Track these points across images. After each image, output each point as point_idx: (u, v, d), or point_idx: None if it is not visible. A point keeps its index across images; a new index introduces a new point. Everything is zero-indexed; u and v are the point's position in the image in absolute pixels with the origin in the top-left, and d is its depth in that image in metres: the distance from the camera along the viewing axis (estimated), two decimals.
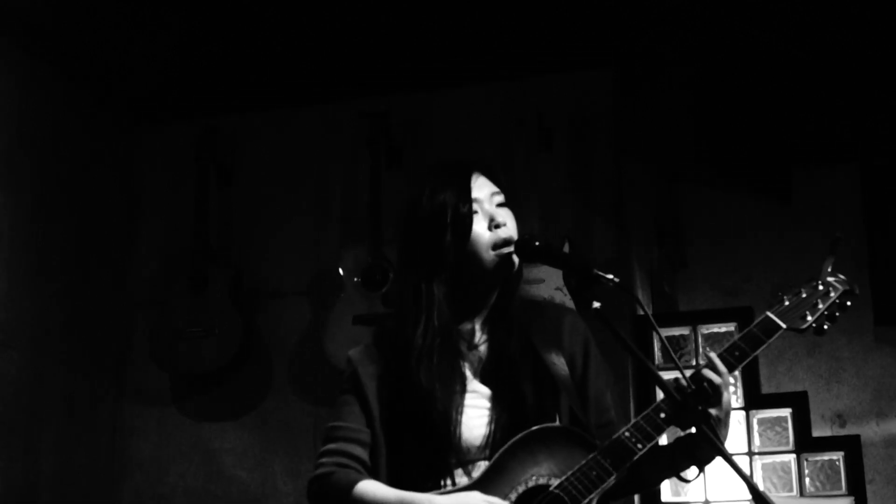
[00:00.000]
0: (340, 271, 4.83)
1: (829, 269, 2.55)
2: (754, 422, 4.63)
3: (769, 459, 4.60)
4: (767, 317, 2.47)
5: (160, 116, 5.42)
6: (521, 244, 2.60)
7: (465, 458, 2.46)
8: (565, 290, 4.51)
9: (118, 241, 5.33)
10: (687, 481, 2.43)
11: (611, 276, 2.42)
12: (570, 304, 4.51)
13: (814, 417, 4.78)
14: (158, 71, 4.98)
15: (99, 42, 4.83)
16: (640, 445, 2.32)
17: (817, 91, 5.08)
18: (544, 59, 4.95)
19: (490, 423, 2.46)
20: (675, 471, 2.46)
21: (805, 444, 4.58)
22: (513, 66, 5.00)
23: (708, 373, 2.38)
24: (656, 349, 4.72)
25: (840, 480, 4.50)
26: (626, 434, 2.34)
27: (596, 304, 2.43)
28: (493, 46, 4.87)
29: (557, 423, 2.48)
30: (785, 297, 2.50)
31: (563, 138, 4.92)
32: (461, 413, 2.46)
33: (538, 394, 2.49)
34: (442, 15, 4.65)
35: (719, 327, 4.78)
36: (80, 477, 4.92)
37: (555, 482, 2.35)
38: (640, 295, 5.03)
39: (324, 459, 2.49)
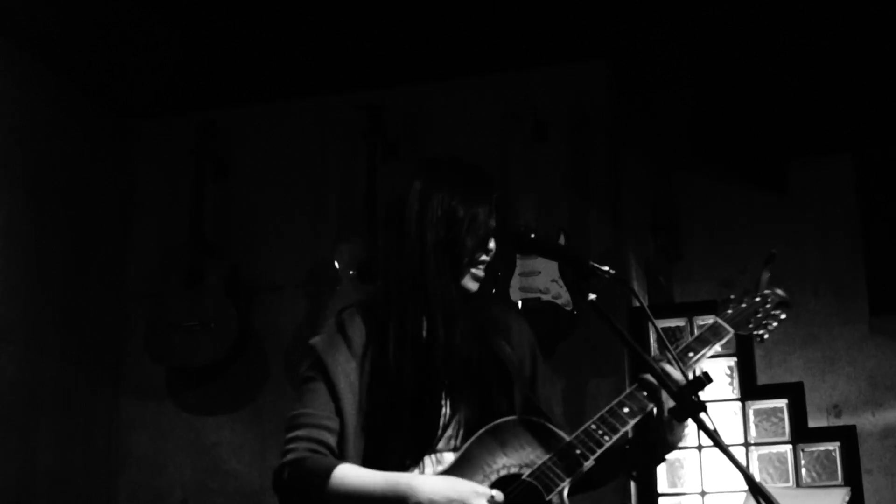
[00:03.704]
0: (336, 264, 4.83)
1: (766, 282, 2.76)
2: (750, 413, 4.64)
3: (765, 450, 4.61)
4: (717, 322, 2.66)
5: (156, 111, 5.41)
6: (519, 236, 2.64)
7: (433, 448, 2.47)
8: (561, 281, 4.51)
9: (114, 236, 5.33)
10: (637, 480, 2.54)
11: (606, 268, 2.47)
12: (566, 295, 4.52)
13: (810, 408, 4.78)
14: (154, 66, 4.97)
15: (94, 45, 4.82)
16: (606, 437, 2.42)
17: (812, 83, 5.08)
18: (540, 52, 4.95)
19: (454, 414, 2.49)
20: (627, 469, 2.59)
21: (801, 434, 4.58)
22: (508, 59, 5.00)
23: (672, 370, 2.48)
24: (652, 341, 4.72)
25: (836, 471, 4.50)
26: (593, 427, 2.43)
27: (592, 296, 2.49)
28: (488, 39, 4.87)
29: (519, 415, 2.52)
30: (730, 306, 2.71)
31: (558, 131, 4.92)
32: (432, 404, 2.48)
33: (496, 385, 2.54)
34: (437, 7, 4.64)
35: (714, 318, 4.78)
36: (77, 471, 4.92)
37: (526, 472, 2.40)
38: (636, 287, 5.04)
39: (293, 445, 2.44)
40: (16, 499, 4.56)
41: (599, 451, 2.41)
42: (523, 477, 2.40)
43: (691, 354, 2.57)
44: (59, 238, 4.96)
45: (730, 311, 2.69)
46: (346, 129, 5.14)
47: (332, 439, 2.45)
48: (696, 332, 2.65)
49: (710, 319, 4.64)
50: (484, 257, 2.57)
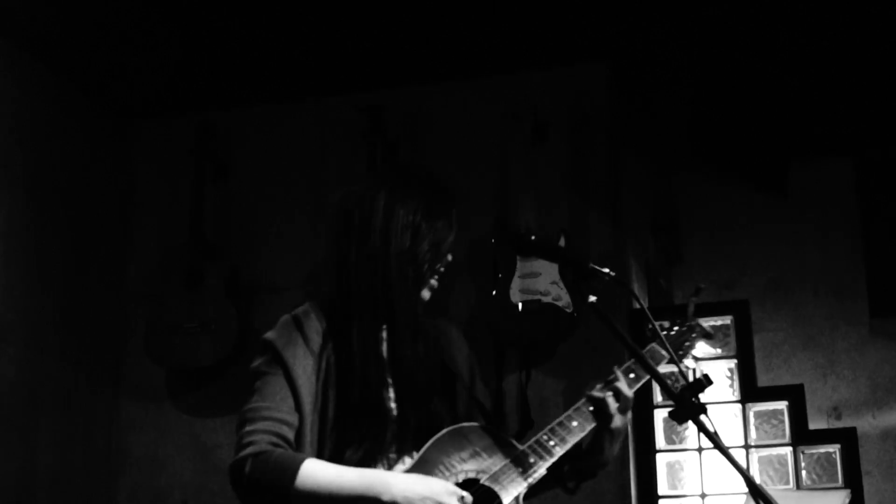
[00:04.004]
0: None
1: (692, 313, 2.92)
2: (750, 415, 4.63)
3: (765, 452, 4.61)
4: (654, 347, 2.78)
5: (156, 112, 5.41)
6: (519, 238, 2.67)
7: (385, 450, 2.50)
8: (561, 283, 4.51)
9: (114, 237, 5.33)
10: (570, 492, 2.69)
11: (607, 270, 2.52)
12: (566, 297, 4.51)
13: (810, 410, 4.78)
14: (154, 67, 4.96)
15: (95, 45, 4.82)
16: (557, 448, 2.50)
17: (812, 83, 5.08)
18: (540, 53, 4.95)
19: (406, 418, 2.53)
20: (560, 482, 2.66)
21: (801, 436, 4.58)
22: (508, 60, 5.00)
23: (621, 386, 2.59)
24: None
25: (836, 473, 4.49)
26: (544, 437, 2.52)
27: (592, 298, 2.54)
28: (488, 40, 4.86)
29: (476, 423, 2.58)
30: (661, 332, 2.80)
31: (558, 132, 4.92)
32: (387, 407, 2.52)
33: (442, 393, 2.61)
34: (437, 9, 4.64)
35: (715, 321, 4.77)
36: (77, 472, 4.92)
37: (483, 477, 2.46)
38: (636, 289, 5.03)
39: (254, 438, 2.41)
40: (16, 499, 4.56)
41: (551, 461, 2.49)
42: (481, 482, 2.45)
43: (632, 376, 2.66)
44: (59, 238, 4.96)
45: (662, 338, 2.79)
46: (346, 129, 5.14)
47: (291, 434, 2.44)
48: (635, 357, 2.69)
49: (712, 321, 4.79)
50: (441, 269, 2.63)
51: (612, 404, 2.56)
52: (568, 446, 2.52)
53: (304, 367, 2.49)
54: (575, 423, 2.55)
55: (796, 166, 5.74)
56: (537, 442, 2.51)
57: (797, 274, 5.67)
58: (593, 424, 2.56)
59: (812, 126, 5.42)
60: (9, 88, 4.71)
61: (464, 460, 2.47)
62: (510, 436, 2.59)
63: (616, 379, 2.60)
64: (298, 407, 2.46)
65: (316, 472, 2.35)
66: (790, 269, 5.68)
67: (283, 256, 5.18)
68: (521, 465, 2.47)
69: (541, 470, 2.47)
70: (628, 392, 2.59)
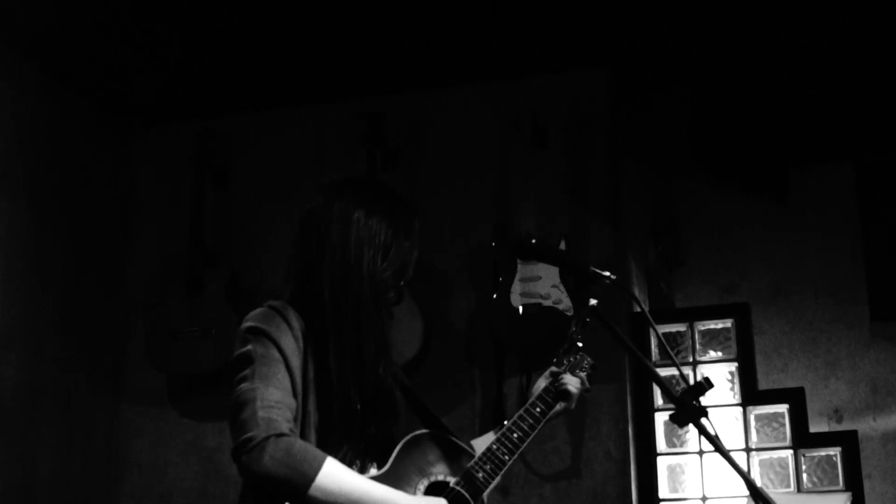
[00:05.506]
0: None
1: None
2: (751, 418, 4.64)
3: (766, 455, 4.61)
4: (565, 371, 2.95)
5: (156, 119, 5.41)
6: (519, 242, 2.68)
7: (357, 455, 2.52)
8: (562, 287, 4.51)
9: (115, 244, 5.33)
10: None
11: (608, 274, 2.54)
12: (567, 301, 4.52)
13: (811, 413, 4.78)
14: (154, 74, 4.97)
15: (94, 46, 4.82)
16: (507, 457, 2.62)
17: (812, 84, 5.08)
18: (539, 59, 4.95)
19: (367, 427, 2.55)
20: None
21: (802, 439, 4.58)
22: (508, 67, 5.00)
23: (569, 379, 2.81)
24: (653, 346, 4.72)
25: (837, 476, 4.50)
26: (495, 447, 2.63)
27: (592, 302, 2.57)
28: (488, 47, 4.87)
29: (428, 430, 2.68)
30: (565, 359, 2.93)
31: (558, 137, 4.93)
32: (357, 418, 2.54)
33: (393, 402, 2.66)
34: (437, 16, 4.65)
35: (716, 324, 4.79)
36: (78, 478, 4.92)
37: (451, 480, 2.56)
38: (637, 292, 5.04)
39: (273, 415, 2.31)
40: (16, 503, 4.56)
41: (504, 469, 2.61)
42: (451, 485, 2.53)
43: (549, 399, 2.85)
44: (60, 246, 4.97)
45: (565, 363, 2.92)
46: (346, 136, 5.14)
47: (292, 420, 2.40)
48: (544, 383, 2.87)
49: (712, 324, 4.80)
50: (402, 285, 2.68)
51: (577, 383, 2.81)
52: (518, 453, 2.65)
53: (295, 358, 2.47)
54: (517, 435, 2.66)
55: (796, 170, 5.74)
56: (489, 451, 2.61)
57: (798, 277, 5.67)
58: (539, 424, 2.72)
59: (812, 128, 5.41)
60: (7, 91, 4.71)
61: (430, 463, 2.57)
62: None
63: (560, 372, 2.83)
64: (295, 395, 2.43)
65: (338, 472, 2.33)
66: (791, 272, 5.69)
67: (282, 262, 5.16)
68: (481, 471, 2.57)
69: (497, 479, 2.58)
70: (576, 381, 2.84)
